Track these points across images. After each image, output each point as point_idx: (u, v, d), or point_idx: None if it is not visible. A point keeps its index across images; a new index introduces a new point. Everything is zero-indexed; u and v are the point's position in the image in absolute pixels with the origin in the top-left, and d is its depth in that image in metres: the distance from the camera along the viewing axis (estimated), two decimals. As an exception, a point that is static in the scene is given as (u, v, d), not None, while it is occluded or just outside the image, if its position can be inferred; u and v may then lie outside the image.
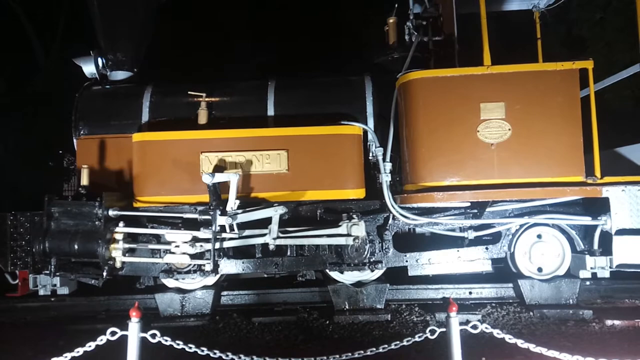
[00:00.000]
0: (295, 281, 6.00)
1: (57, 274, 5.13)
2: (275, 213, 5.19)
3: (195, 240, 5.14)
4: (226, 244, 5.27)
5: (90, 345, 3.54)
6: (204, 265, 5.24)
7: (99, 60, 6.20)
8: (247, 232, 5.29)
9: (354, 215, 5.29)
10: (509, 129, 4.90)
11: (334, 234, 5.27)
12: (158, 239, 5.41)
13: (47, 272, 5.10)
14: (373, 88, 5.85)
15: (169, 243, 5.22)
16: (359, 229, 5.22)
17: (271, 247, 5.22)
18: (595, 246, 5.35)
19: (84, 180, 5.22)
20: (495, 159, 4.90)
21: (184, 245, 5.13)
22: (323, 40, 12.94)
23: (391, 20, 6.15)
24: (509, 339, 3.60)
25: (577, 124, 4.89)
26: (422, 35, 5.72)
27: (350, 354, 3.72)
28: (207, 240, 5.10)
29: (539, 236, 5.64)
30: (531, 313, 5.31)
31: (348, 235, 5.22)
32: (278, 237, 5.20)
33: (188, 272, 5.40)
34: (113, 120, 5.94)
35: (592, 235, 5.40)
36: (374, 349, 3.74)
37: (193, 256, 5.20)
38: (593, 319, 5.17)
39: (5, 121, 10.48)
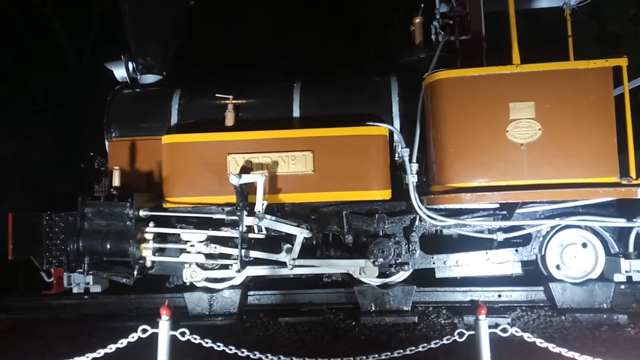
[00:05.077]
0: (321, 282, 6.01)
1: (90, 272, 5.29)
2: (300, 234, 5.29)
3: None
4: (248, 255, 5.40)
5: (122, 342, 3.64)
6: (231, 265, 5.31)
7: (130, 64, 6.35)
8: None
9: (375, 253, 5.34)
10: (539, 129, 4.80)
11: (349, 265, 5.40)
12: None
13: (81, 270, 5.26)
14: (399, 88, 5.82)
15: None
16: (372, 272, 5.34)
17: (289, 266, 5.33)
18: (631, 249, 5.22)
19: (116, 182, 5.36)
20: (525, 159, 4.80)
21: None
22: (349, 41, 12.93)
23: (417, 20, 6.10)
24: (540, 342, 3.53)
25: (610, 123, 4.75)
26: (449, 34, 5.66)
27: (377, 355, 3.71)
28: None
29: (571, 239, 5.50)
30: (563, 317, 5.19)
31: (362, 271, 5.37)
32: (295, 259, 5.34)
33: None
34: (143, 122, 6.08)
35: (627, 238, 5.25)
36: (401, 350, 3.72)
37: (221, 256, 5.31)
38: (628, 323, 5.02)
39: (40, 124, 10.84)
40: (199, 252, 5.28)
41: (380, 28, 12.36)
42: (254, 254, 5.37)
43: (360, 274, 5.39)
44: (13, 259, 5.65)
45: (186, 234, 5.29)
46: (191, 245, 5.27)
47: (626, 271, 5.27)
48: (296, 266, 5.39)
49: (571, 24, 5.90)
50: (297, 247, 5.33)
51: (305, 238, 5.36)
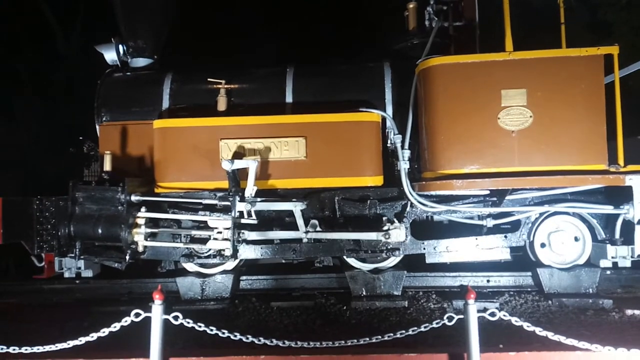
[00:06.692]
0: (313, 267, 6.06)
1: (82, 257, 5.28)
2: (295, 208, 5.25)
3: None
4: (257, 236, 5.38)
5: (116, 326, 3.66)
6: (223, 250, 5.32)
7: (120, 47, 6.25)
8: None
9: (395, 219, 5.33)
10: (531, 116, 4.83)
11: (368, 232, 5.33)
12: (179, 223, 5.51)
13: (72, 255, 5.24)
14: (392, 75, 5.81)
15: (189, 228, 5.33)
16: (400, 233, 5.25)
17: (305, 240, 5.34)
18: (617, 235, 5.28)
19: (107, 166, 5.32)
20: (515, 146, 4.84)
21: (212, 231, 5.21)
22: (342, 26, 12.84)
23: (411, 6, 6.06)
24: (527, 326, 3.60)
25: (600, 111, 4.80)
26: (443, 20, 5.65)
27: (367, 339, 3.77)
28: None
29: (559, 225, 5.58)
30: (550, 302, 5.28)
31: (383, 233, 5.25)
32: (308, 232, 5.30)
33: (208, 256, 5.50)
34: (134, 107, 6.01)
35: (613, 224, 5.32)
36: (392, 334, 3.78)
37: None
38: (613, 308, 5.12)
39: (28, 108, 10.70)
40: (225, 239, 5.18)
41: (375, 19, 12.25)
42: (272, 234, 5.40)
43: (388, 238, 5.26)
44: (3, 244, 5.62)
45: (214, 220, 5.20)
46: (218, 232, 5.19)
47: (612, 257, 5.34)
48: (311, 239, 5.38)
49: (564, 11, 5.90)
50: (300, 221, 5.30)
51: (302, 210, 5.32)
